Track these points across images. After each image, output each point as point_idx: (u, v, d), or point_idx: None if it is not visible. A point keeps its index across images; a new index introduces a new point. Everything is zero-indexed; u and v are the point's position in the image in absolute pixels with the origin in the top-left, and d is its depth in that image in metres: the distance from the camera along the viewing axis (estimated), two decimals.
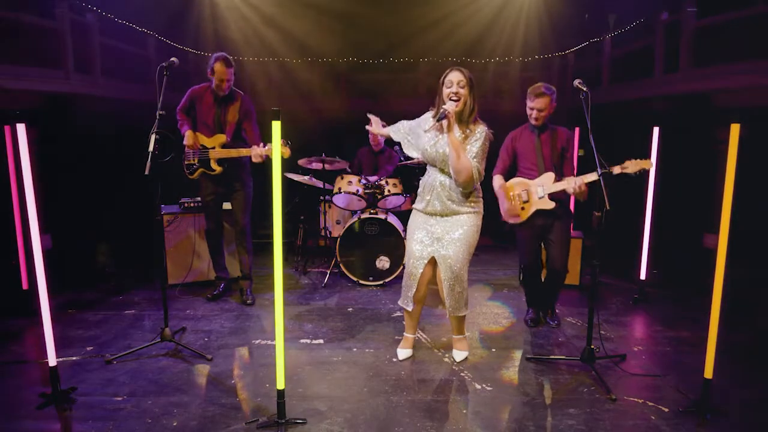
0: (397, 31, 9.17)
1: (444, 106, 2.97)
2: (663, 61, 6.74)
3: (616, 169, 3.30)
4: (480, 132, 3.04)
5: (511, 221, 3.83)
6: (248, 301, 4.46)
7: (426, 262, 3.18)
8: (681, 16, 6.37)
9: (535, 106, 3.67)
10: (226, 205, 4.59)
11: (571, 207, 5.10)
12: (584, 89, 3.17)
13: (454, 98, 2.99)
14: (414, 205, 3.30)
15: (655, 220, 4.54)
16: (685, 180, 5.53)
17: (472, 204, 3.15)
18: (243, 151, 4.08)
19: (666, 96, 6.41)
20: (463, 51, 9.12)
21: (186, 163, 4.27)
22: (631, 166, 3.29)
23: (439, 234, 3.15)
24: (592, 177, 3.37)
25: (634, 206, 4.75)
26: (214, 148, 4.15)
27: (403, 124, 3.35)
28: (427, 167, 3.23)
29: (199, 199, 4.86)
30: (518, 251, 4.05)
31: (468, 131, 3.04)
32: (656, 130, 4.36)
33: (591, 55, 8.58)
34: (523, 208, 3.75)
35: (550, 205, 3.66)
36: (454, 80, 3.00)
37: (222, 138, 4.16)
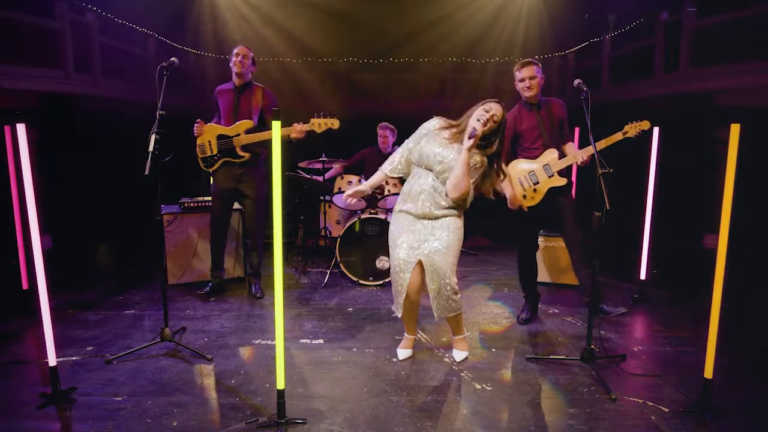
0: (397, 31, 9.18)
1: (475, 126, 2.94)
2: (663, 61, 6.75)
3: (618, 136, 3.57)
4: (482, 164, 3.05)
5: (525, 204, 3.78)
6: (257, 295, 4.55)
7: (413, 266, 3.10)
8: (681, 16, 6.38)
9: (525, 75, 3.66)
10: (235, 205, 4.63)
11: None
12: (584, 89, 3.17)
13: (482, 123, 2.95)
14: (399, 208, 3.20)
15: (655, 220, 4.54)
16: (685, 180, 5.54)
17: (456, 209, 3.13)
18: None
19: (666, 96, 6.42)
20: (463, 51, 9.13)
21: (203, 156, 4.28)
22: (631, 130, 3.55)
23: (424, 237, 3.09)
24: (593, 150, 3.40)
25: (634, 206, 4.75)
26: (238, 135, 4.15)
27: (409, 143, 3.26)
28: (416, 171, 3.18)
29: (200, 198, 4.85)
30: (518, 240, 4.00)
31: (476, 158, 3.04)
32: (656, 130, 4.36)
33: (591, 55, 8.58)
34: (535, 190, 3.73)
35: (562, 181, 3.69)
36: (494, 110, 2.98)
37: (248, 123, 4.16)
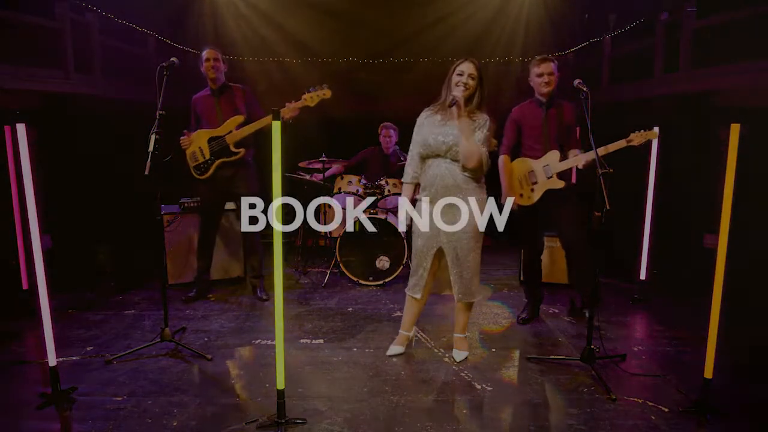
0: (397, 31, 9.16)
1: (453, 93, 3.05)
2: (663, 61, 6.74)
3: (621, 143, 3.43)
4: (484, 119, 3.10)
5: (520, 203, 3.74)
6: (263, 297, 4.53)
7: (434, 252, 3.21)
8: (681, 16, 6.37)
9: (544, 70, 3.62)
10: (229, 205, 4.61)
11: None
12: (584, 89, 3.18)
13: (462, 87, 3.06)
14: (419, 196, 3.28)
15: (655, 220, 4.54)
16: (685, 180, 5.52)
17: (477, 190, 3.16)
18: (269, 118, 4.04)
19: (666, 96, 6.40)
20: (463, 51, 9.06)
21: (195, 164, 4.24)
22: (636, 139, 3.43)
23: (444, 222, 3.15)
24: (599, 153, 3.37)
25: (634, 206, 4.74)
26: (230, 132, 4.12)
27: (414, 146, 3.30)
28: (429, 161, 3.18)
29: (199, 198, 4.85)
30: (521, 238, 4.02)
31: (472, 119, 3.09)
32: (656, 130, 4.35)
33: (591, 55, 8.57)
34: (532, 190, 3.71)
35: (560, 183, 3.63)
36: (465, 70, 3.09)
37: (238, 119, 4.14)
